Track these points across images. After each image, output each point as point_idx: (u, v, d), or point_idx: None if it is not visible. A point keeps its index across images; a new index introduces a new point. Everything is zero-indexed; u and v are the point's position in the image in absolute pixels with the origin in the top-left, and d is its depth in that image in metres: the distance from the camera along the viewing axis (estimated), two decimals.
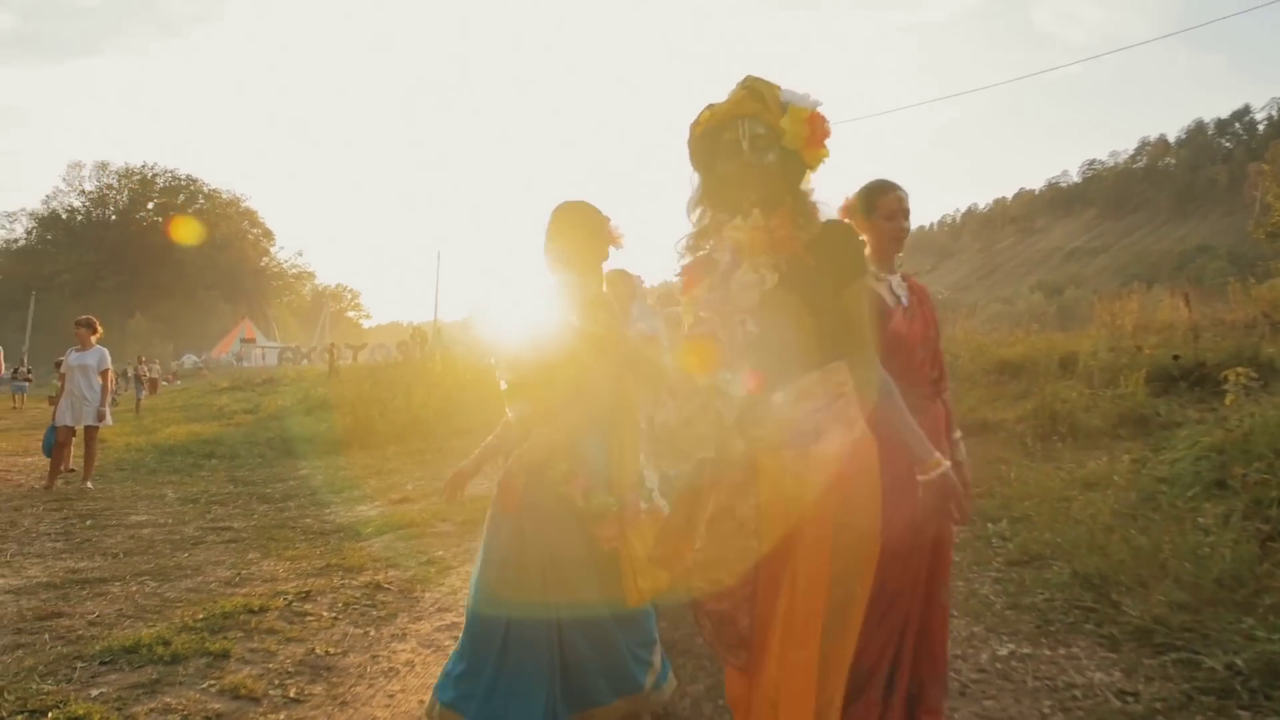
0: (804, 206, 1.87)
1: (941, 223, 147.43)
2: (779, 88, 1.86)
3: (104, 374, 8.32)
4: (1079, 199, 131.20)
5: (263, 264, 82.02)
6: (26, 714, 2.82)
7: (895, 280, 2.61)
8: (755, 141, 1.84)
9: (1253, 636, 3.00)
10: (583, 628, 2.34)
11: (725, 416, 1.79)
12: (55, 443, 8.36)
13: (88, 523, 6.43)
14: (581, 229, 2.49)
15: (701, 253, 1.96)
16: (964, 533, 4.63)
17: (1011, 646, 3.32)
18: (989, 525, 4.89)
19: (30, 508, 7.14)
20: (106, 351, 8.46)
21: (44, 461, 8.86)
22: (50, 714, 2.81)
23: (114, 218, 63.56)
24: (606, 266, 2.69)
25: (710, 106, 1.90)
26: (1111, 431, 7.01)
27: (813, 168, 1.89)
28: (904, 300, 2.58)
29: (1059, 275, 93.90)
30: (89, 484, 8.26)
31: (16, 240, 60.97)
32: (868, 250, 2.61)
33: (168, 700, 2.97)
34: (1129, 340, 9.90)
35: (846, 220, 1.98)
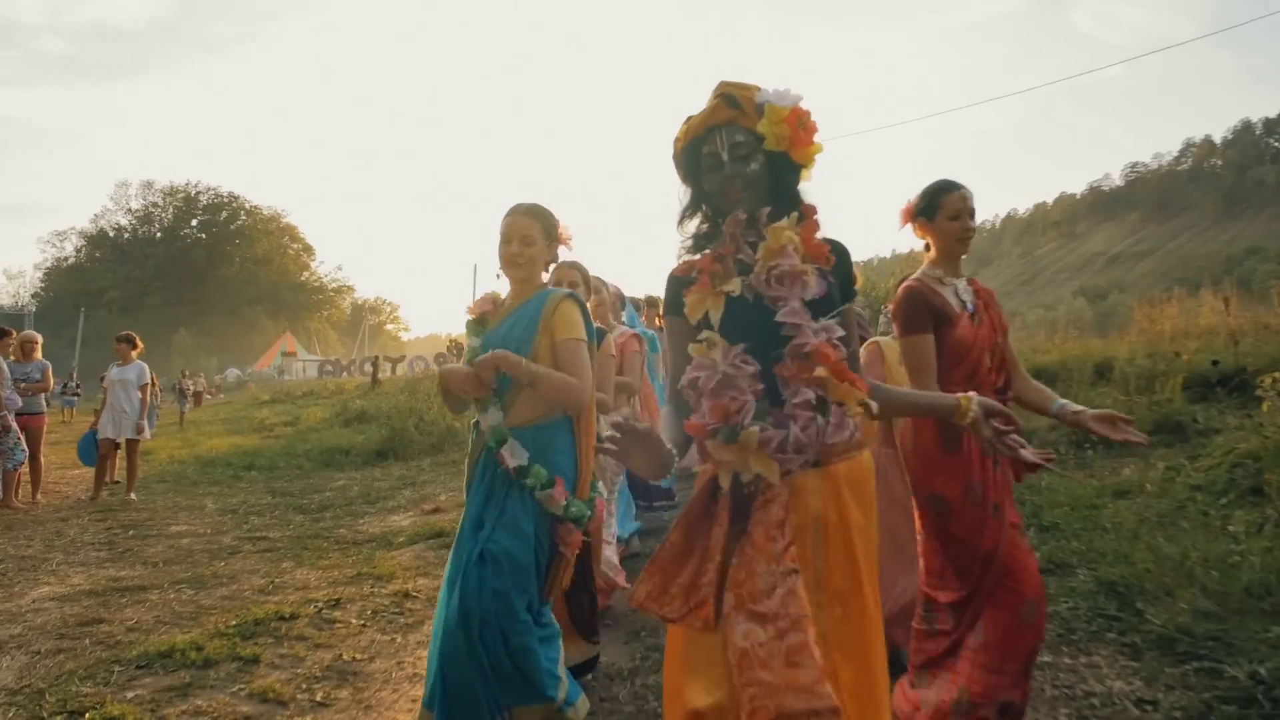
0: (813, 218, 1.78)
1: (981, 229, 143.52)
2: (756, 89, 1.77)
3: (143, 388, 8.59)
4: (1122, 202, 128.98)
5: (303, 279, 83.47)
6: (66, 714, 2.95)
7: (961, 285, 2.55)
8: (735, 150, 1.76)
9: (1278, 645, 2.96)
10: (508, 629, 2.34)
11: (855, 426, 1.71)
12: (99, 455, 8.62)
13: (130, 533, 6.62)
14: (535, 230, 2.54)
15: (708, 251, 1.83)
16: None
17: None
18: None
19: (76, 518, 7.37)
20: (146, 366, 8.73)
21: (91, 474, 9.13)
22: (88, 714, 2.92)
23: (159, 235, 65.22)
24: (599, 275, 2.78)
25: (688, 119, 1.83)
26: (1147, 439, 6.89)
27: (807, 167, 1.79)
28: (969, 306, 2.51)
29: (1102, 280, 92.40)
30: (132, 495, 8.51)
31: (66, 258, 62.78)
32: (932, 253, 2.60)
33: (199, 703, 3.07)
34: (1167, 346, 9.72)
35: (839, 240, 1.83)
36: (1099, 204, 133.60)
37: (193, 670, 3.39)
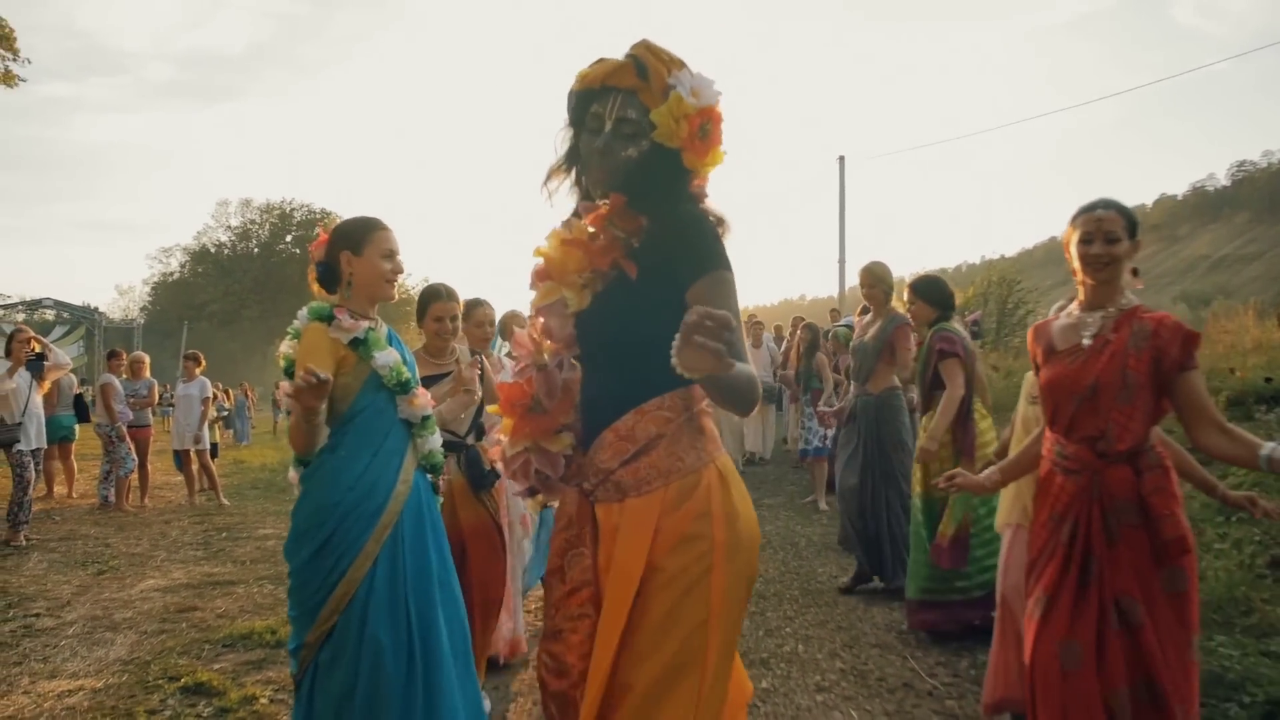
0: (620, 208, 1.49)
1: None
2: (677, 65, 1.46)
3: (205, 402, 9.38)
4: (1228, 203, 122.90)
5: None
6: (166, 680, 3.61)
7: (1093, 317, 2.17)
8: (621, 126, 1.46)
9: (1213, 652, 3.24)
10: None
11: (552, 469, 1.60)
12: (181, 464, 9.48)
13: (223, 534, 7.40)
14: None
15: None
16: None
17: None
18: None
19: (178, 520, 8.22)
20: (207, 382, 9.57)
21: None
22: (183, 679, 3.57)
23: (256, 250, 68.22)
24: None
25: (600, 61, 1.51)
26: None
27: (699, 174, 1.51)
28: (1086, 341, 2.14)
29: (1205, 285, 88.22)
30: (225, 501, 9.31)
31: (172, 274, 65.93)
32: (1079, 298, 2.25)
33: (270, 674, 3.68)
34: (1238, 360, 9.56)
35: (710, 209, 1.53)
36: (1203, 205, 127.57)
37: (267, 649, 4.01)
